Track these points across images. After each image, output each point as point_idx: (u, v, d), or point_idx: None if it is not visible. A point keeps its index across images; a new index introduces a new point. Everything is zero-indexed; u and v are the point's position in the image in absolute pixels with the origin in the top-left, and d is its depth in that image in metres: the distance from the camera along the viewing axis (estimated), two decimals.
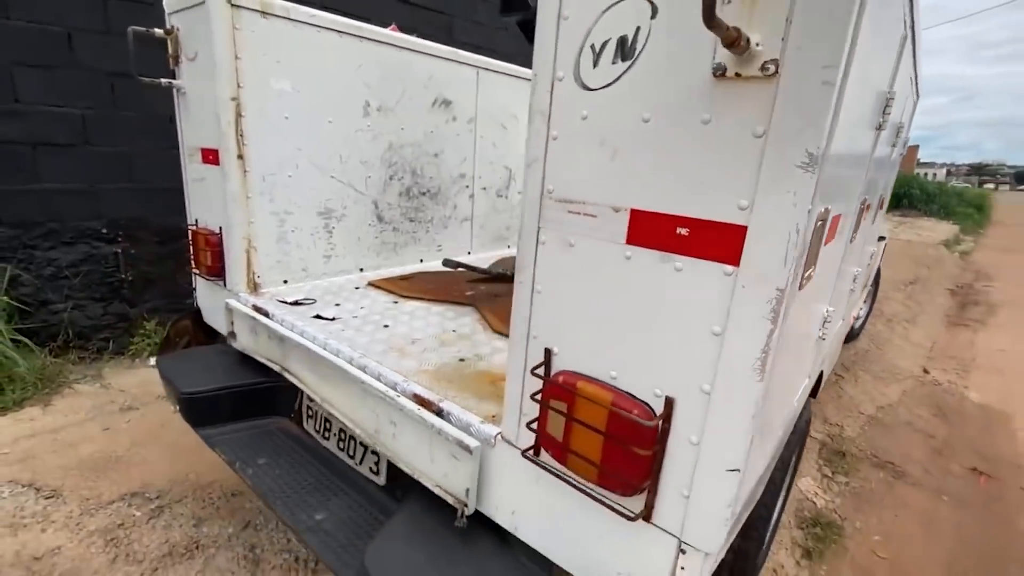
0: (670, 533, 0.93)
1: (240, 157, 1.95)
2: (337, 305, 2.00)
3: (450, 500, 1.25)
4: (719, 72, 0.74)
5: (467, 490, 1.21)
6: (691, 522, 0.90)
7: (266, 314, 1.86)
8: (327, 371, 1.60)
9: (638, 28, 0.82)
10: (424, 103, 2.56)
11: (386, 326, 1.82)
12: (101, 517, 2.31)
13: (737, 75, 0.73)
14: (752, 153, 0.74)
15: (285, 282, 2.21)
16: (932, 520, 2.80)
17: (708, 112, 0.77)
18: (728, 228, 0.77)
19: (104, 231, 3.58)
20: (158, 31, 2.00)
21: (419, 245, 2.75)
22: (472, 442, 1.18)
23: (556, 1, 0.90)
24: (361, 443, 1.68)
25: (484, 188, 3.04)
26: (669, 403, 0.88)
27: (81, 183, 3.45)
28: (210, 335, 2.39)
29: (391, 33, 2.32)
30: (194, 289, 2.37)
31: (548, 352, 1.04)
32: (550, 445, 1.04)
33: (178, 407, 1.87)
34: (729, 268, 0.78)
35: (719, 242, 0.78)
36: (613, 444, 0.93)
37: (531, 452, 1.09)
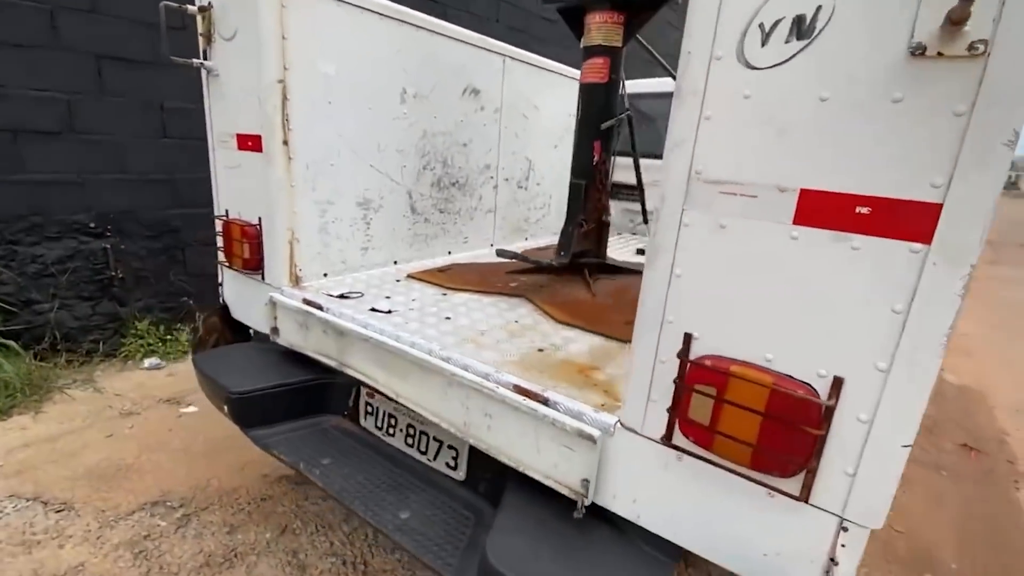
0: (830, 512, 0.94)
1: (285, 143, 1.85)
2: (387, 298, 1.93)
3: (564, 491, 1.22)
4: (918, 51, 0.75)
5: (584, 480, 1.19)
6: (856, 499, 0.91)
7: (319, 307, 1.78)
8: (401, 365, 1.54)
9: (819, 7, 0.81)
10: (456, 91, 2.50)
11: (447, 318, 1.77)
12: (123, 529, 2.17)
13: (939, 54, 0.74)
14: (952, 132, 0.75)
15: (325, 275, 2.11)
16: (937, 494, 2.97)
17: (901, 91, 0.77)
18: (920, 206, 0.78)
19: (92, 225, 3.34)
20: (191, 7, 1.87)
21: (448, 237, 2.69)
22: (593, 431, 1.16)
23: None
24: (435, 438, 1.63)
25: (507, 179, 3.01)
26: (838, 382, 0.89)
27: (67, 173, 3.21)
28: (236, 332, 2.26)
29: (428, 18, 2.25)
30: (220, 284, 2.24)
31: (688, 337, 1.03)
32: (691, 430, 1.03)
33: (226, 408, 1.76)
34: (918, 246, 0.79)
35: (908, 220, 0.79)
36: (774, 425, 0.93)
37: (664, 438, 1.08)
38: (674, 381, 1.03)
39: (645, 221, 2.49)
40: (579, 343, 1.64)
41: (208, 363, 1.90)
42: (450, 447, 1.60)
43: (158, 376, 3.48)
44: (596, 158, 2.22)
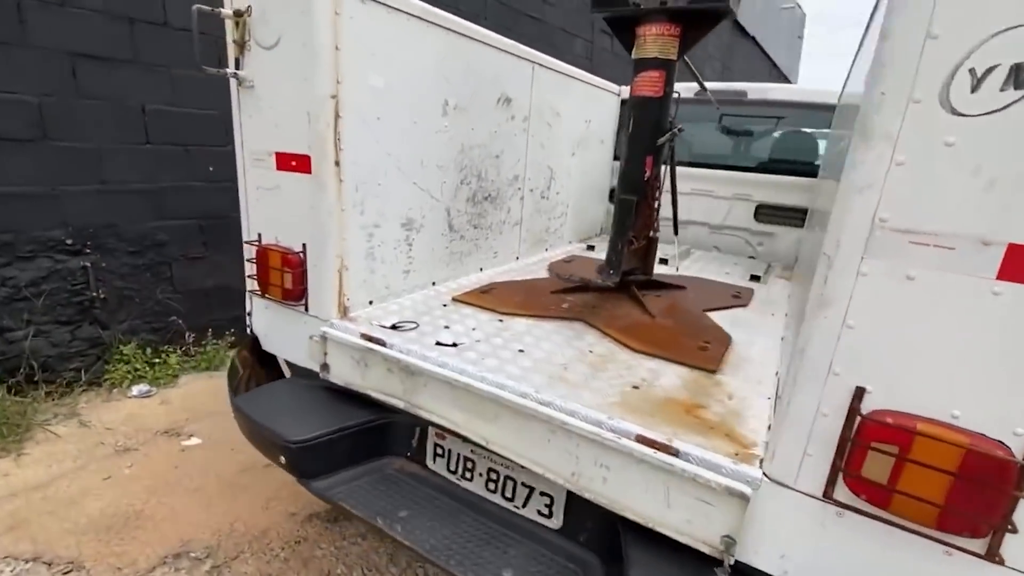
0: (1018, 571, 0.91)
1: (337, 164, 1.68)
2: (446, 328, 1.81)
3: (702, 548, 1.16)
4: None
5: (726, 537, 1.13)
6: None
7: (382, 343, 1.64)
8: (488, 408, 1.43)
9: None
10: (491, 101, 2.37)
11: (521, 350, 1.67)
12: None
13: None
14: None
15: (371, 303, 1.96)
16: None
17: None
18: None
19: (69, 242, 3.02)
20: (225, 11, 1.67)
21: (480, 253, 2.57)
22: (744, 488, 1.09)
23: (924, 16, 0.83)
24: (524, 483, 1.53)
25: (531, 190, 2.90)
26: None
27: (40, 185, 2.88)
28: (266, 365, 2.08)
29: (470, 25, 2.11)
30: (249, 314, 2.04)
31: (860, 391, 0.98)
32: (864, 488, 0.98)
33: (283, 459, 1.60)
34: None
35: None
36: (967, 486, 0.89)
37: (824, 494, 1.03)
38: (847, 437, 0.98)
39: (676, 232, 2.45)
40: (667, 375, 1.57)
41: (254, 407, 1.72)
42: (543, 494, 1.50)
43: (149, 404, 3.20)
44: (648, 173, 2.16)
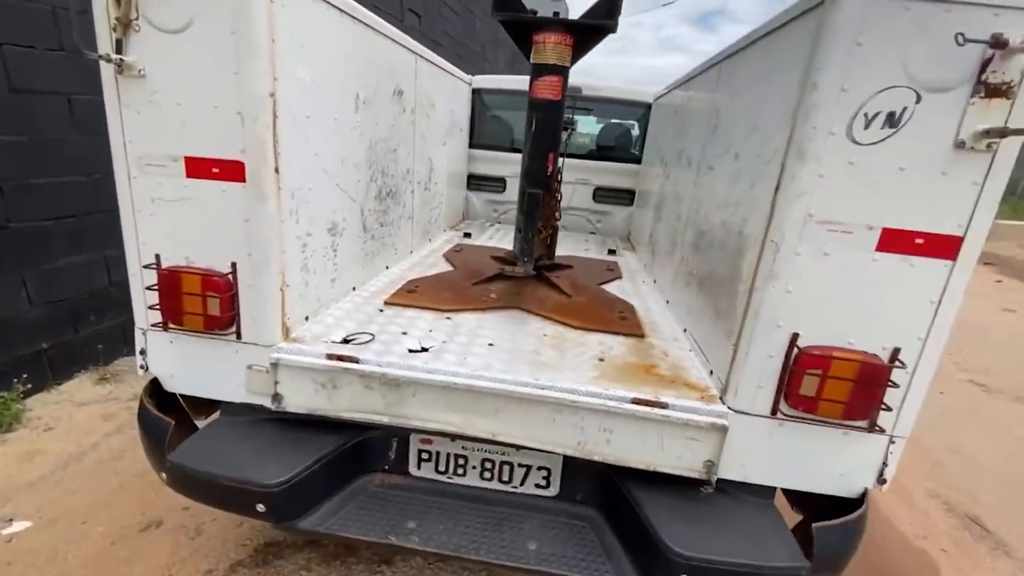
0: (886, 433, 1.42)
1: (277, 171, 1.50)
2: (404, 334, 1.79)
3: (692, 475, 1.48)
4: (960, 145, 1.20)
5: (708, 462, 1.47)
6: (901, 422, 1.41)
7: (355, 360, 1.56)
8: (487, 404, 1.52)
9: (904, 108, 1.20)
10: (388, 94, 2.29)
11: (491, 344, 1.77)
12: None
13: (971, 148, 1.20)
14: (972, 194, 1.23)
15: (307, 318, 1.80)
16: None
17: (947, 169, 1.22)
18: (950, 239, 1.26)
19: None
20: None
21: (385, 251, 2.50)
22: (724, 421, 1.43)
23: (840, 77, 1.20)
24: (520, 464, 1.66)
25: (419, 182, 2.89)
26: (896, 351, 1.35)
27: None
28: (167, 411, 1.74)
29: (375, 16, 2.00)
30: (142, 352, 1.67)
31: (795, 335, 1.38)
32: (801, 402, 1.40)
33: (262, 507, 1.42)
34: (948, 262, 1.28)
35: (943, 246, 1.27)
36: (859, 387, 1.36)
37: (771, 412, 1.43)
38: (787, 369, 1.38)
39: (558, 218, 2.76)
40: (614, 346, 1.85)
41: (206, 459, 1.47)
42: (539, 468, 1.66)
43: None
44: (551, 169, 2.38)
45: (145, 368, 1.69)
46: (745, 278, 1.47)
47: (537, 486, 1.67)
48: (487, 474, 1.68)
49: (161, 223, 1.54)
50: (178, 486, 1.51)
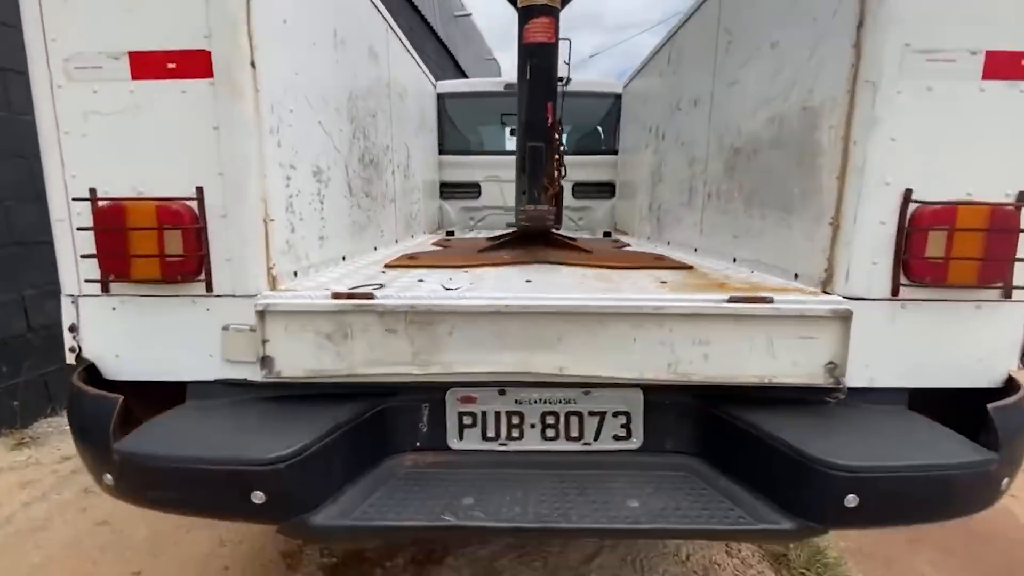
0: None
1: (253, 65, 1.19)
2: (421, 282, 1.45)
3: (819, 383, 1.18)
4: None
5: (830, 364, 1.18)
6: None
7: (370, 297, 1.21)
8: (550, 331, 1.19)
9: None
10: (363, 49, 2.05)
11: (528, 281, 1.46)
12: None
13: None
14: None
15: (295, 274, 1.43)
16: None
17: None
18: None
19: None
20: None
21: (372, 228, 2.16)
22: (843, 306, 1.16)
23: (902, 33, 1.08)
24: (591, 412, 1.31)
25: (398, 165, 2.61)
26: (1021, 195, 1.15)
27: None
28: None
29: None
30: (73, 329, 1.25)
31: (908, 191, 1.16)
32: (928, 269, 1.16)
33: (262, 495, 1.00)
34: None
35: None
36: (995, 238, 1.14)
37: (892, 292, 1.18)
38: (902, 232, 1.14)
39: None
40: (669, 277, 1.58)
41: (172, 443, 1.05)
42: (616, 414, 1.31)
43: None
44: (550, 120, 2.17)
45: (77, 351, 1.26)
46: (829, 147, 1.26)
47: (616, 438, 1.32)
48: (550, 431, 1.32)
49: (97, 145, 1.18)
50: (131, 487, 1.07)
